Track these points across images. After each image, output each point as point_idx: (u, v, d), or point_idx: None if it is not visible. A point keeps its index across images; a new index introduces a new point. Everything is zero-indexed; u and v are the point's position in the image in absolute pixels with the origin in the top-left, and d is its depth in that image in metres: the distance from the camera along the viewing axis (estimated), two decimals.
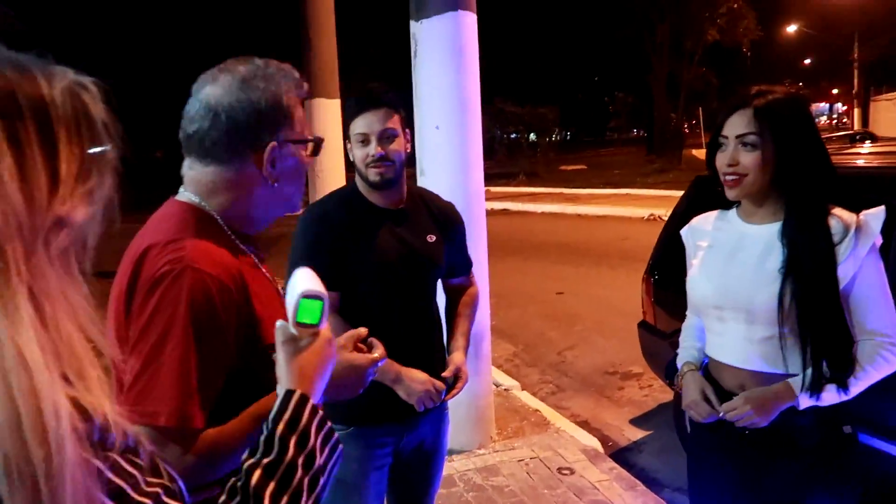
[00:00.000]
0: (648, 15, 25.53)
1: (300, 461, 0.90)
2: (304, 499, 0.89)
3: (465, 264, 2.25)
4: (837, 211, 1.62)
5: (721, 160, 1.67)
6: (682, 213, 3.39)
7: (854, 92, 32.16)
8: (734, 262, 1.71)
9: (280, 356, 1.00)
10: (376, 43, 26.49)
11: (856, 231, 1.58)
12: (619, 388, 4.96)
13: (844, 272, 1.59)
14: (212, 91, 1.18)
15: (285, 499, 0.87)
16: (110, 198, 0.69)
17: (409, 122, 2.05)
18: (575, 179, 22.15)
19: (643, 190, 17.50)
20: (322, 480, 0.94)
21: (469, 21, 3.40)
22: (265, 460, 0.88)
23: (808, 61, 41.24)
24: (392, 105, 1.94)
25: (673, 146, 26.30)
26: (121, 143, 0.70)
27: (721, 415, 1.68)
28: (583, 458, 3.61)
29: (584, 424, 4.28)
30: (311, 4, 6.71)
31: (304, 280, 1.01)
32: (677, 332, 1.99)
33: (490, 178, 24.34)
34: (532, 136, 27.47)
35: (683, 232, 1.93)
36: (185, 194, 1.23)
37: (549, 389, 5.05)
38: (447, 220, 2.14)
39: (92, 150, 0.66)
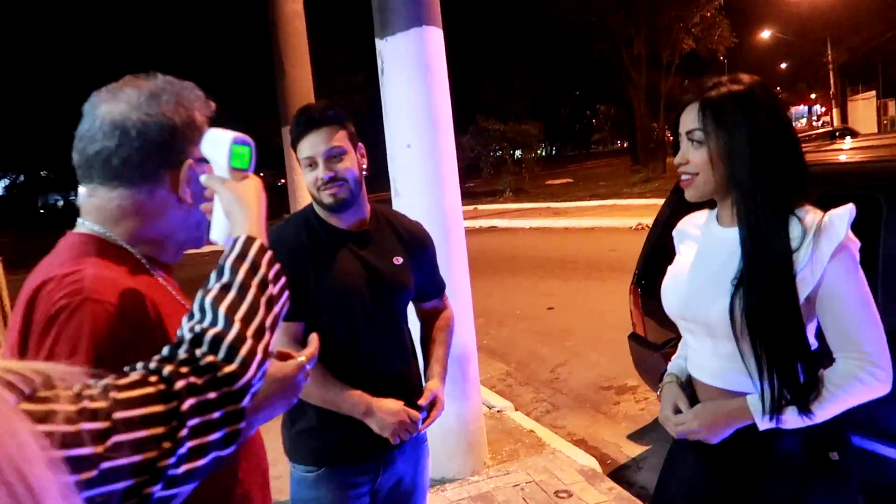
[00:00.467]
0: (624, 28, 25.80)
1: (253, 283, 0.92)
2: (261, 313, 0.91)
3: (437, 286, 2.14)
4: (802, 212, 1.45)
5: (676, 160, 1.57)
6: (665, 221, 3.31)
7: (831, 93, 32.56)
8: (699, 271, 1.59)
9: (222, 201, 1.05)
10: (351, 69, 26.63)
11: (815, 234, 1.41)
12: (614, 402, 4.84)
13: (805, 279, 1.42)
14: (114, 107, 1.07)
15: (243, 308, 0.88)
16: None
17: (362, 137, 1.93)
18: (561, 193, 22.17)
19: (629, 200, 17.50)
20: (276, 310, 0.95)
21: (435, 36, 3.33)
22: (218, 284, 0.91)
23: (784, 66, 41.78)
24: (335, 121, 1.81)
25: (657, 155, 26.41)
26: None
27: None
28: (580, 480, 3.48)
29: (580, 443, 4.15)
30: (283, 32, 6.68)
31: (228, 131, 1.08)
32: (668, 342, 1.90)
33: (476, 196, 24.41)
34: (517, 153, 27.51)
35: (674, 233, 1.81)
36: (84, 225, 1.11)
37: (544, 408, 4.92)
38: (414, 240, 2.03)
39: None
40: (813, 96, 46.27)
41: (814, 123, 44.14)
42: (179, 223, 1.14)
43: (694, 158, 1.51)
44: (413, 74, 3.28)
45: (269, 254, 0.98)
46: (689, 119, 1.52)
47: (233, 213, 1.03)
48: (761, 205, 1.44)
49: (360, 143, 1.90)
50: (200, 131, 1.13)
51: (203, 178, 1.08)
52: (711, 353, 1.56)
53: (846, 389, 1.42)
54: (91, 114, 1.09)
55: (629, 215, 14.21)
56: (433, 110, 3.32)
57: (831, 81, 31.99)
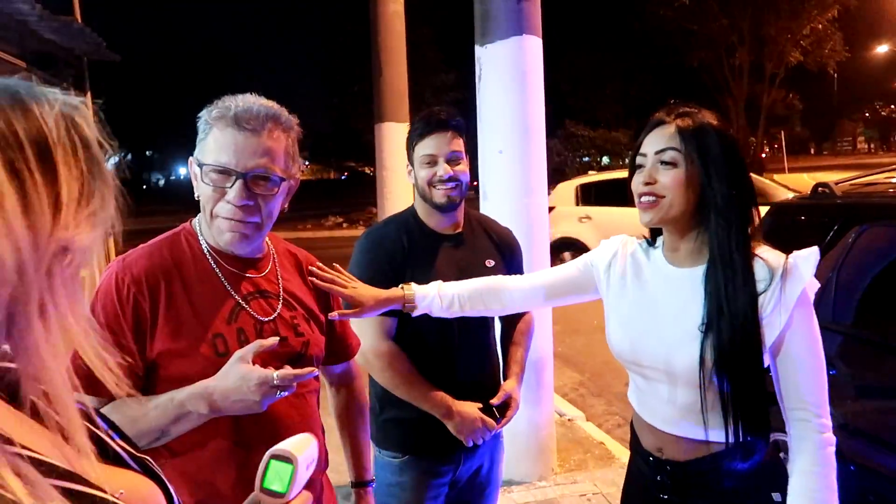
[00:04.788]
0: (727, 37, 24.91)
1: None
2: None
3: None
4: (763, 252, 1.41)
5: (637, 180, 1.47)
6: None
7: None
8: (653, 314, 1.50)
9: None
10: (445, 68, 26.84)
11: (782, 276, 1.37)
12: None
13: (771, 324, 1.38)
14: None
15: None
16: (112, 219, 0.68)
17: (469, 149, 2.04)
18: None
19: None
20: None
21: (534, 45, 3.37)
22: None
23: None
24: (459, 129, 1.95)
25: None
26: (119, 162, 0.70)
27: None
28: None
29: None
30: (381, 31, 6.85)
31: (285, 442, 0.89)
32: None
33: None
34: (605, 160, 27.06)
35: (598, 261, 1.66)
36: (199, 215, 1.41)
37: (616, 421, 4.88)
38: (506, 245, 2.11)
39: (91, 171, 0.65)
40: None
41: None
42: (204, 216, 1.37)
43: (663, 179, 1.43)
44: (510, 82, 3.33)
45: None
46: (661, 139, 1.44)
47: None
48: (734, 238, 1.39)
49: (467, 155, 2.03)
50: (202, 137, 1.32)
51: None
52: (667, 401, 1.49)
53: (826, 465, 1.36)
54: None
55: None
56: (527, 118, 3.36)
57: None
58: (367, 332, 1.86)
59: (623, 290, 1.58)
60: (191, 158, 1.34)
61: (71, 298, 0.62)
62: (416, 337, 1.90)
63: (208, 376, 1.22)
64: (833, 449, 1.38)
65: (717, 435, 1.42)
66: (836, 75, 29.40)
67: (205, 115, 1.30)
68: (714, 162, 1.40)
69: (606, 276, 1.63)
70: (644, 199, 1.46)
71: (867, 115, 55.18)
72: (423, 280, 1.88)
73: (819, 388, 1.38)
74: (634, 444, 1.61)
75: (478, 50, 3.45)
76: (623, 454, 4.00)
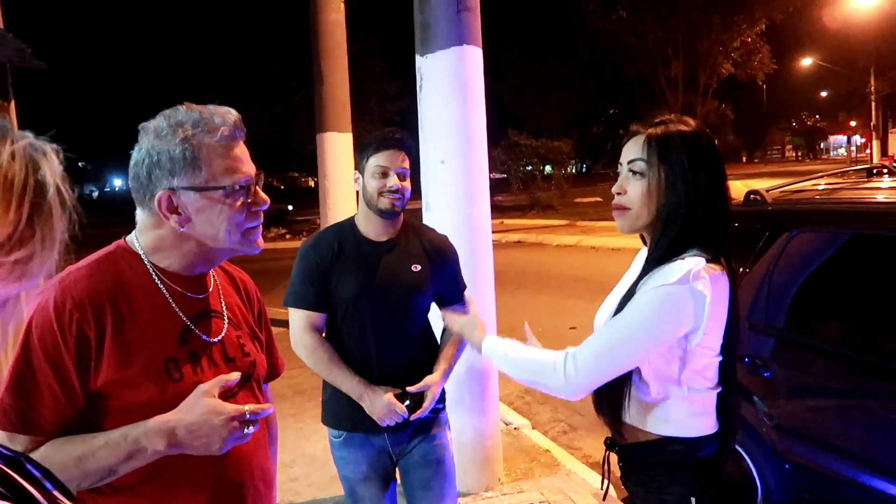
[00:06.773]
0: (662, 50, 25.72)
1: None
2: None
3: (457, 293, 2.35)
4: (687, 255, 1.45)
5: (613, 188, 1.57)
6: None
7: (872, 124, 32.04)
8: (614, 298, 1.63)
9: None
10: (389, 77, 26.87)
11: (658, 269, 1.45)
12: None
13: None
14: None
15: None
16: (50, 272, 0.64)
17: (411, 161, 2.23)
18: (590, 212, 22.06)
19: None
20: None
21: (474, 56, 3.38)
22: None
23: (825, 94, 41.24)
24: (408, 149, 2.17)
25: None
26: (75, 211, 0.67)
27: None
28: (594, 503, 3.47)
29: (596, 466, 4.13)
30: (322, 41, 6.80)
31: None
32: None
33: (504, 210, 24.15)
34: (547, 169, 27.48)
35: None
36: (131, 234, 1.33)
37: (561, 428, 4.91)
38: (437, 251, 2.27)
39: (33, 216, 0.61)
40: (853, 123, 45.54)
41: (852, 155, 43.33)
42: (180, 241, 1.29)
43: (631, 190, 1.52)
44: (451, 92, 3.33)
45: None
46: (633, 149, 1.52)
47: None
48: (664, 244, 1.47)
49: None
50: (187, 162, 1.22)
51: None
52: None
53: (544, 362, 1.50)
54: None
55: None
56: (469, 128, 3.36)
57: (872, 112, 31.51)
58: (297, 324, 2.16)
59: (622, 282, 1.72)
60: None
61: None
62: (339, 333, 2.16)
63: (161, 404, 1.17)
64: (556, 375, 1.48)
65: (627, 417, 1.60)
66: (764, 86, 30.71)
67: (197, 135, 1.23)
68: (675, 173, 1.46)
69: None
70: (615, 209, 1.56)
71: (794, 124, 57.76)
72: (347, 283, 2.12)
73: (596, 352, 1.46)
74: None
75: (418, 60, 3.44)
76: (568, 461, 4.02)
